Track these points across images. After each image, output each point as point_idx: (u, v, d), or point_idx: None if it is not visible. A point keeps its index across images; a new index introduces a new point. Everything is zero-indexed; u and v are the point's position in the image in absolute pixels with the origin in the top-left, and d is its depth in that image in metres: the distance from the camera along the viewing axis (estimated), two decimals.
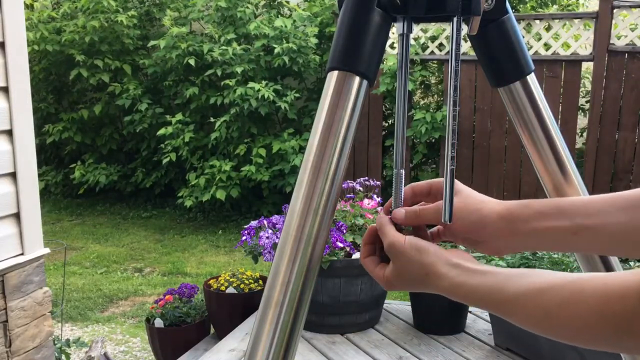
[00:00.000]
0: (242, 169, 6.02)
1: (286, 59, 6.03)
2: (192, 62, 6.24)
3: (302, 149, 6.00)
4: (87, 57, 6.77)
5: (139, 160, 7.27)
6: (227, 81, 6.06)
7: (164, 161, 6.40)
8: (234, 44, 6.12)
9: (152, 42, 6.60)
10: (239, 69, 6.00)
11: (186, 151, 6.31)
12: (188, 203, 6.13)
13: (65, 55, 6.86)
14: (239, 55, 6.15)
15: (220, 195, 5.95)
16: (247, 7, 6.32)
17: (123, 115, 7.10)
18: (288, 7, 6.87)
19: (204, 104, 6.49)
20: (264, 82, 6.02)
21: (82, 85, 7.37)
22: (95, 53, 6.89)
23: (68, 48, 6.81)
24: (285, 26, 6.18)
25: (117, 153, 7.50)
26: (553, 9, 6.09)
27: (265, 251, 3.00)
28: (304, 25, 6.34)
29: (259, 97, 5.89)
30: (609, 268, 0.81)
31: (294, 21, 6.37)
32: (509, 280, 0.59)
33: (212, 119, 6.25)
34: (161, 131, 6.31)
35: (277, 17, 6.49)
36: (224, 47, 6.10)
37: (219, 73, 6.17)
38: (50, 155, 7.86)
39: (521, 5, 6.37)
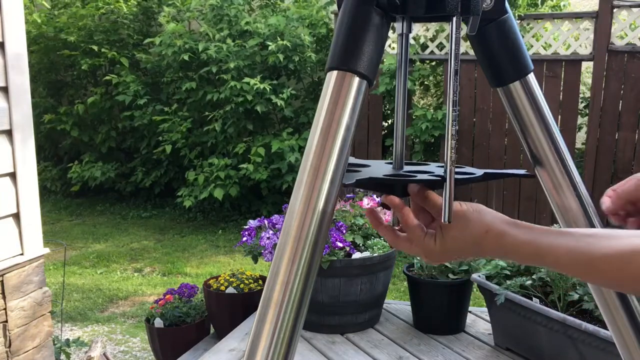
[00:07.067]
0: (241, 166, 6.01)
1: (281, 56, 6.03)
2: (186, 57, 6.24)
3: (300, 148, 6.00)
4: (80, 41, 6.77)
5: (138, 159, 7.26)
6: (222, 75, 6.08)
7: (159, 151, 6.44)
8: (229, 41, 6.14)
9: (147, 39, 6.64)
10: (232, 65, 6.01)
11: (182, 143, 6.35)
12: (187, 203, 6.12)
13: (59, 41, 6.84)
14: (234, 52, 6.16)
15: (218, 194, 5.94)
16: (240, 4, 6.36)
17: (122, 112, 7.09)
18: (281, 8, 6.88)
19: (201, 100, 6.50)
20: (259, 77, 6.03)
21: (78, 75, 7.33)
22: (90, 41, 6.88)
23: (62, 33, 6.79)
24: (279, 24, 6.19)
25: (116, 152, 7.48)
26: (544, 9, 6.09)
27: (266, 251, 3.00)
28: (295, 27, 6.35)
29: (255, 91, 5.90)
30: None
31: (287, 18, 6.38)
32: (594, 241, 0.61)
33: (207, 113, 6.27)
34: (158, 120, 6.34)
35: (271, 14, 6.52)
36: (218, 44, 6.11)
37: (214, 70, 6.18)
38: (48, 154, 7.84)
39: (513, 9, 6.36)
